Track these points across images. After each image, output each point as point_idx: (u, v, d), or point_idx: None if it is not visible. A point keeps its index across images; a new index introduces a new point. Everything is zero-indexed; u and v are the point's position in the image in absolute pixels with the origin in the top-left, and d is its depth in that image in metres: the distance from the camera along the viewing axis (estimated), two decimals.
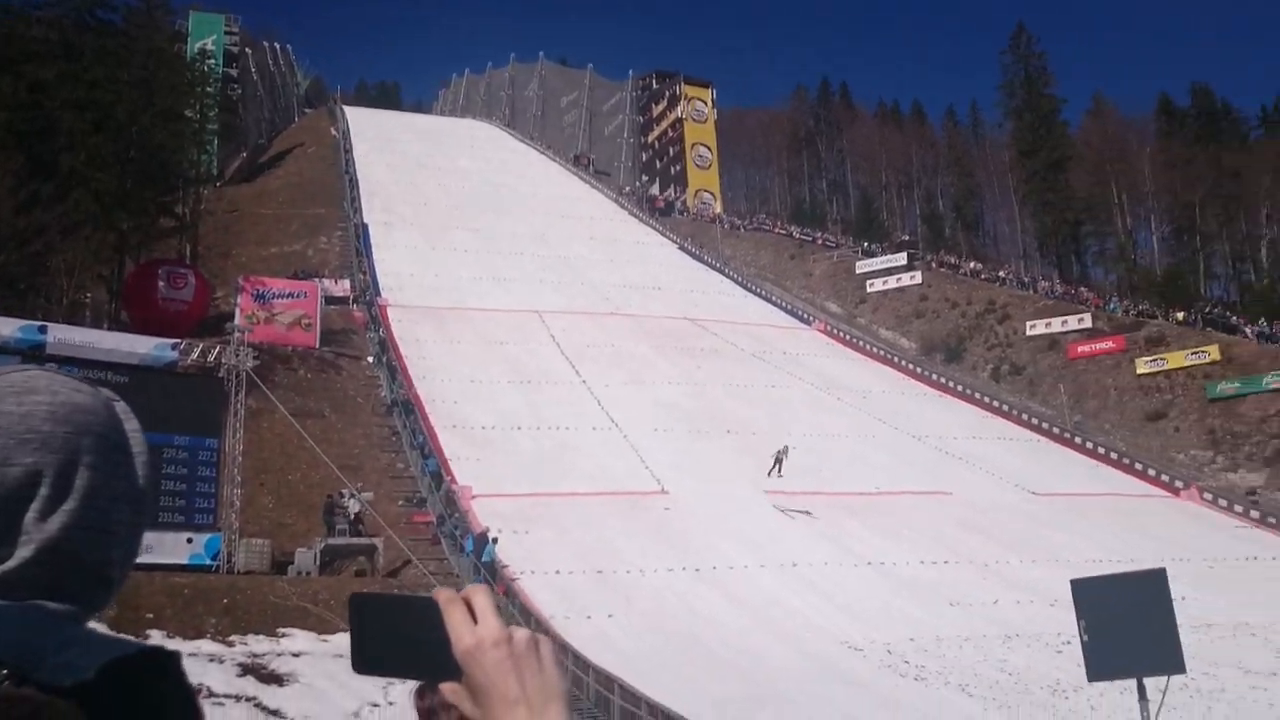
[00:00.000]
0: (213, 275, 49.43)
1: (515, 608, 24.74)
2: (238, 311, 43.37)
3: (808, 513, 33.87)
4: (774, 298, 65.56)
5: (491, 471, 35.17)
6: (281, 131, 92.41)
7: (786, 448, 35.55)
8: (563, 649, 22.16)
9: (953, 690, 23.41)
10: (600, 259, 64.47)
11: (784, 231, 79.24)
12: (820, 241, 76.08)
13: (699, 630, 25.73)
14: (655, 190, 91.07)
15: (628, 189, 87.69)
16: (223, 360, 29.61)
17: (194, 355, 30.79)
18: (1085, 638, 8.52)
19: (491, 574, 26.38)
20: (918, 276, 66.99)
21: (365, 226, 61.99)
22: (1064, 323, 58.42)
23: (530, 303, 54.19)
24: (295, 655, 21.85)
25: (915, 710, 21.86)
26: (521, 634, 1.04)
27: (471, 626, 1.01)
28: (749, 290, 65.97)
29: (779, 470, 35.27)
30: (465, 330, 49.49)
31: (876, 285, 67.89)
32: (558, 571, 28.72)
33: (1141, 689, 8.45)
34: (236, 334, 32.01)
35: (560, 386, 44.33)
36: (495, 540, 28.34)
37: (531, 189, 76.79)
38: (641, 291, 59.67)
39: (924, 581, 30.23)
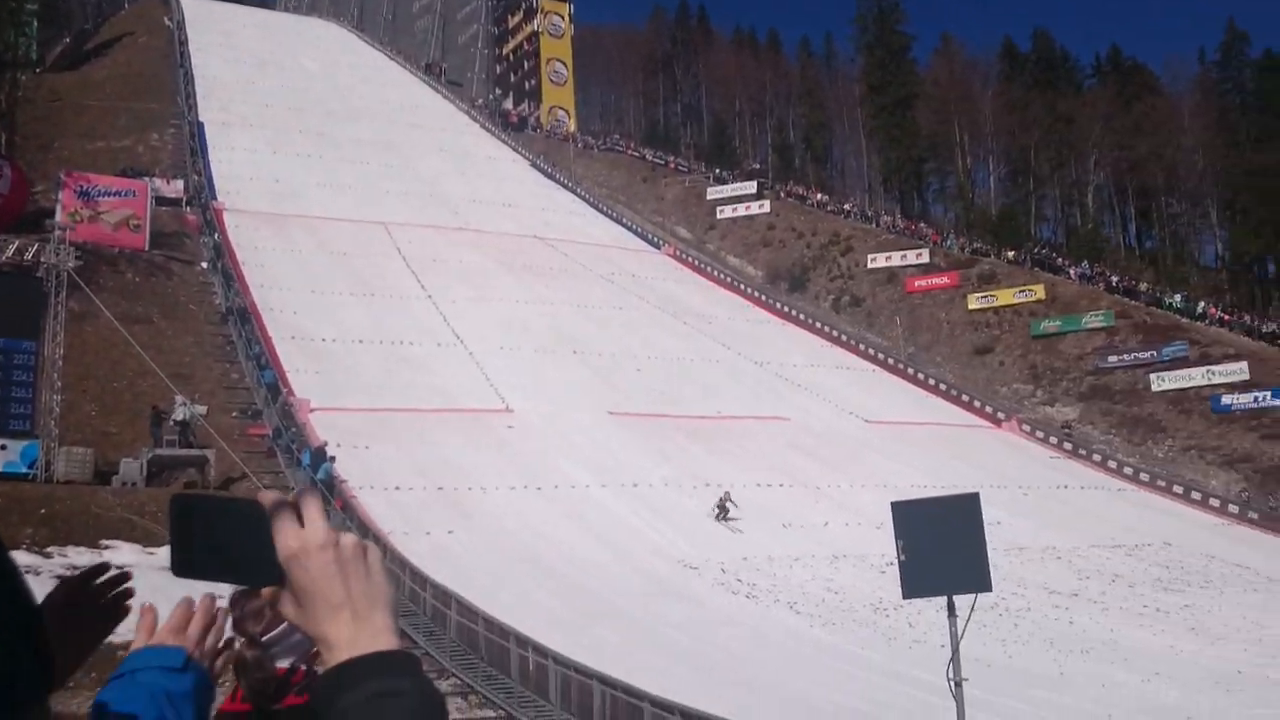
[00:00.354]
0: (31, 168, 46.26)
1: (353, 523, 24.47)
2: (59, 208, 40.94)
3: (737, 508, 30.67)
4: (625, 220, 65.63)
5: (331, 385, 34.48)
6: (110, 18, 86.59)
7: (728, 494, 30.72)
8: (400, 564, 22.08)
9: (781, 608, 24.37)
10: (450, 172, 63.19)
11: (637, 154, 79.10)
12: (673, 166, 76.24)
13: (539, 548, 26.01)
14: (509, 105, 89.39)
15: (480, 101, 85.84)
16: (41, 259, 27.99)
17: (9, 253, 28.97)
18: (902, 558, 8.89)
19: (329, 489, 25.99)
20: (766, 205, 68.05)
21: (201, 125, 59.06)
22: (903, 257, 60.34)
23: (376, 214, 52.81)
24: (119, 568, 21.11)
25: (745, 626, 22.69)
26: (349, 539, 1.00)
27: (297, 530, 0.98)
28: (600, 211, 65.83)
29: (724, 517, 30.40)
30: (307, 239, 47.99)
31: (726, 212, 68.66)
32: (397, 487, 28.53)
33: (951, 606, 8.89)
34: (57, 232, 30.22)
35: (405, 300, 43.58)
36: (333, 459, 27.89)
37: (380, 96, 74.41)
38: (491, 207, 58.84)
39: (759, 503, 31.19)
